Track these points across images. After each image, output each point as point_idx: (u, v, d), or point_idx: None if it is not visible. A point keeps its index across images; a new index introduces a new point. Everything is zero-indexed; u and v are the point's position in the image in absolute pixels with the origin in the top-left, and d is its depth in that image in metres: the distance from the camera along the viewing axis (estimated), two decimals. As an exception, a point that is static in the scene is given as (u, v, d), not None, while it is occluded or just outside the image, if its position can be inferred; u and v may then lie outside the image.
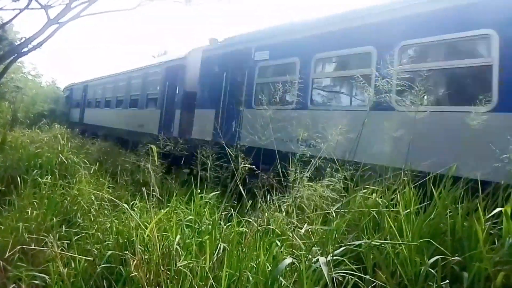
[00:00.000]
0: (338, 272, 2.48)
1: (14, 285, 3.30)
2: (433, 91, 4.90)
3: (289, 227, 3.32)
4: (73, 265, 3.18)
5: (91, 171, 6.23)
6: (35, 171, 5.81)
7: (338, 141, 4.22)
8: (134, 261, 2.83)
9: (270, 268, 2.74)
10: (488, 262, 2.52)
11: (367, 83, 4.89)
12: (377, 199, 3.40)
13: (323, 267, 2.28)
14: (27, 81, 28.89)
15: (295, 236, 3.07)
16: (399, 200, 3.21)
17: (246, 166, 3.88)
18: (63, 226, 4.18)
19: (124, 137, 13.64)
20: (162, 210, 3.54)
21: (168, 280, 2.79)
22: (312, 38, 7.02)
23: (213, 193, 4.17)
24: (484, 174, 3.63)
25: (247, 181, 4.25)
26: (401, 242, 2.78)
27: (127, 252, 3.01)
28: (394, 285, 2.65)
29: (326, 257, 2.42)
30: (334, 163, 4.04)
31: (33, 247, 3.58)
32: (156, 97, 12.36)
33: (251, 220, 3.46)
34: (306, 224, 3.26)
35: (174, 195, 4.03)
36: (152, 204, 3.57)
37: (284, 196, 3.83)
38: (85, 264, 3.16)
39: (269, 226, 3.31)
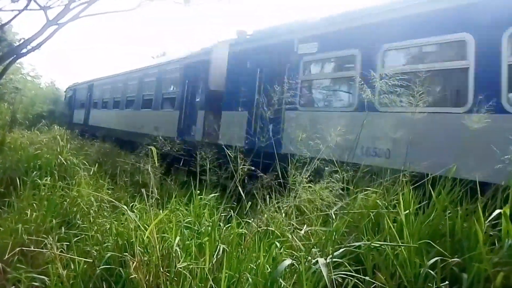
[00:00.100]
0: (338, 274, 2.48)
1: (13, 286, 3.30)
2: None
3: (289, 229, 3.32)
4: (72, 267, 3.18)
5: (91, 173, 6.23)
6: (35, 172, 5.80)
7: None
8: (133, 262, 2.83)
9: (269, 269, 2.74)
10: (487, 263, 2.52)
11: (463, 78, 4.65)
12: (376, 200, 3.41)
13: (322, 268, 2.28)
14: (26, 82, 28.86)
15: (295, 238, 3.07)
16: (399, 201, 3.21)
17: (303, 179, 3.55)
18: (63, 228, 4.17)
19: (135, 140, 11.99)
20: (162, 211, 3.54)
21: (167, 282, 2.79)
22: (379, 25, 5.94)
23: (212, 194, 4.17)
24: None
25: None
26: (400, 244, 2.78)
27: (127, 253, 3.01)
28: (394, 286, 2.65)
29: (326, 259, 2.42)
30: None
31: (32, 248, 3.58)
32: (173, 97, 11.32)
33: (250, 222, 3.46)
34: (305, 225, 3.27)
35: (174, 196, 4.03)
36: (152, 206, 3.56)
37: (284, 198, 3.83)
38: (85, 266, 3.16)
39: (268, 228, 3.31)
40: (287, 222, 3.44)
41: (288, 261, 2.52)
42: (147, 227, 3.00)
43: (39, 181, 5.32)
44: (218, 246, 2.97)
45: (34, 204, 4.68)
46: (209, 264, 2.78)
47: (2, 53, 15.17)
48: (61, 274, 2.98)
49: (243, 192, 3.86)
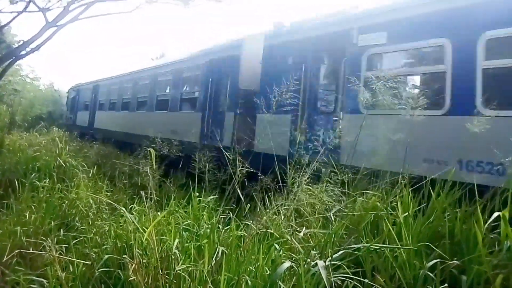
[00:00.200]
0: (337, 276, 2.48)
1: (11, 289, 3.29)
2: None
3: (288, 231, 3.32)
4: (71, 269, 3.17)
5: (90, 175, 6.22)
6: (33, 174, 5.79)
7: None
8: (132, 265, 2.82)
9: (268, 272, 2.74)
10: (487, 265, 2.52)
11: None
12: (376, 202, 3.41)
13: (321, 271, 2.28)
14: (25, 84, 28.86)
15: (294, 240, 3.07)
16: (398, 203, 3.22)
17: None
18: (61, 230, 4.17)
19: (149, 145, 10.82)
20: (160, 213, 3.54)
21: (166, 284, 2.78)
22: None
23: (211, 197, 4.17)
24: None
25: None
26: (399, 247, 2.78)
27: (126, 256, 3.00)
28: (393, 288, 2.65)
29: (325, 261, 2.42)
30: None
31: (31, 251, 3.57)
32: (194, 98, 10.13)
33: (249, 224, 3.46)
34: (304, 227, 3.27)
35: (172, 198, 4.02)
36: (151, 208, 3.56)
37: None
38: (83, 268, 3.15)
39: (268, 230, 3.31)
40: (286, 224, 3.44)
41: (287, 264, 2.52)
42: (146, 229, 2.99)
43: (37, 183, 5.31)
44: (217, 249, 2.97)
45: (33, 206, 4.67)
46: (208, 266, 2.78)
47: (1, 54, 15.16)
48: (60, 277, 2.97)
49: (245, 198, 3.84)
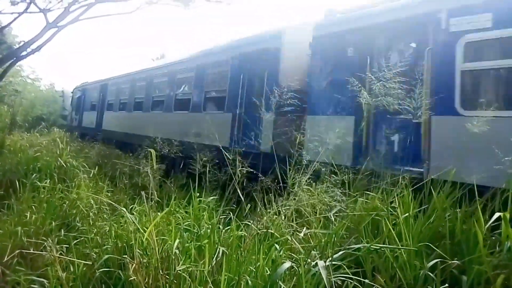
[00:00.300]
0: (337, 276, 2.48)
1: (12, 289, 3.30)
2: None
3: (288, 231, 3.32)
4: (72, 269, 3.17)
5: (90, 175, 6.22)
6: (34, 175, 5.80)
7: None
8: (133, 265, 2.82)
9: (269, 272, 2.74)
10: (487, 265, 2.52)
11: None
12: (376, 202, 3.41)
13: (322, 271, 2.28)
14: (26, 85, 28.90)
15: (294, 240, 3.07)
16: (397, 204, 3.22)
17: None
18: (62, 230, 4.17)
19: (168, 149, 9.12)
20: (161, 213, 3.54)
21: (167, 284, 2.78)
22: None
23: (212, 197, 4.17)
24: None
25: None
26: (400, 247, 2.78)
27: (126, 256, 3.01)
28: (393, 289, 2.65)
29: (325, 261, 2.42)
30: None
31: (31, 251, 3.58)
32: (222, 97, 8.95)
33: (250, 224, 3.46)
34: (305, 227, 3.27)
35: (173, 198, 4.02)
36: (151, 208, 3.56)
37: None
38: (84, 268, 3.15)
39: (268, 230, 3.31)
40: (287, 224, 3.44)
41: (287, 264, 2.53)
42: (146, 229, 3.00)
43: (38, 183, 5.32)
44: (218, 249, 2.97)
45: (34, 207, 4.68)
46: (208, 266, 2.78)
47: (2, 55, 15.19)
48: (60, 277, 2.98)
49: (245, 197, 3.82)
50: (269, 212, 3.50)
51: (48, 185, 5.28)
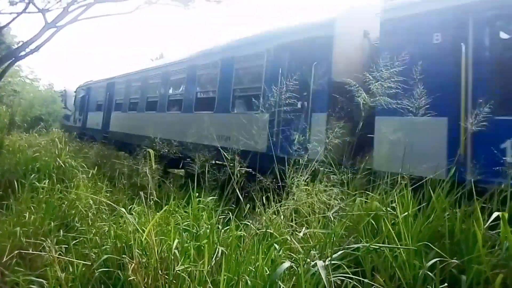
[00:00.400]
0: (337, 276, 2.48)
1: (11, 290, 3.29)
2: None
3: (288, 231, 3.32)
4: (71, 270, 3.17)
5: (89, 175, 6.22)
6: (33, 175, 5.80)
7: None
8: (132, 265, 2.82)
9: (268, 272, 2.74)
10: (486, 265, 2.52)
11: None
12: (375, 202, 3.41)
13: (321, 270, 2.28)
14: (24, 85, 28.85)
15: (294, 240, 3.07)
16: (397, 203, 3.22)
17: None
18: (61, 231, 4.17)
19: (188, 154, 7.26)
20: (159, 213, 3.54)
21: (166, 284, 2.78)
22: None
23: (211, 197, 4.17)
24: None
25: None
26: (399, 246, 2.78)
27: (125, 256, 3.00)
28: (393, 288, 2.65)
29: (325, 261, 2.42)
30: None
31: (30, 251, 3.58)
32: (255, 95, 7.68)
33: (249, 224, 3.46)
34: (304, 227, 3.27)
35: (172, 198, 4.02)
36: (150, 208, 3.56)
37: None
38: (83, 269, 3.15)
39: (267, 230, 3.31)
40: (286, 224, 3.44)
41: (287, 264, 2.52)
42: (145, 229, 3.00)
43: (37, 184, 5.31)
44: (217, 249, 2.97)
45: (33, 207, 4.68)
46: (207, 266, 2.78)
47: (1, 55, 15.17)
48: (59, 277, 2.97)
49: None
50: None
51: (47, 185, 5.28)
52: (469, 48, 4.68)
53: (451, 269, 2.63)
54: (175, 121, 10.62)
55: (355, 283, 2.46)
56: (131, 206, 4.11)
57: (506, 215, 2.61)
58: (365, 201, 3.55)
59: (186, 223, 3.54)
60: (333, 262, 2.56)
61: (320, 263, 2.36)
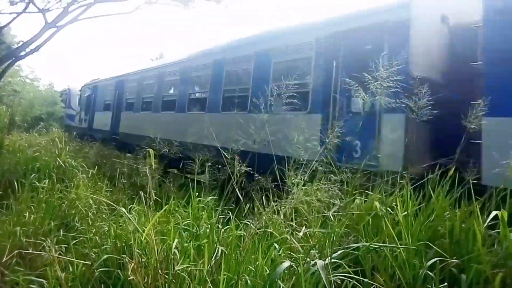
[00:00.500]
0: (336, 275, 2.48)
1: (11, 289, 3.29)
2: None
3: (287, 230, 3.32)
4: (71, 269, 3.17)
5: (89, 175, 6.22)
6: (33, 175, 5.80)
7: None
8: (132, 265, 2.82)
9: (268, 271, 2.74)
10: (486, 264, 2.52)
11: None
12: (375, 201, 3.41)
13: (321, 270, 2.28)
14: (24, 85, 28.88)
15: (293, 239, 3.06)
16: (397, 202, 3.22)
17: None
18: (61, 230, 4.17)
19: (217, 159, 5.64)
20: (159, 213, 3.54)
21: (166, 284, 2.78)
22: None
23: (211, 197, 4.17)
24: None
25: None
26: (399, 246, 2.78)
27: (125, 256, 3.00)
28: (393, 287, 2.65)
29: (324, 260, 2.42)
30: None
31: (30, 251, 3.58)
32: (303, 92, 6.43)
33: (249, 223, 3.46)
34: (304, 227, 3.27)
35: (172, 198, 4.02)
36: (150, 208, 3.56)
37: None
38: (83, 268, 3.15)
39: (267, 230, 3.31)
40: (286, 223, 3.44)
41: (286, 263, 2.52)
42: (145, 229, 3.00)
43: (37, 183, 5.31)
44: (217, 248, 2.97)
45: (33, 207, 4.68)
46: (207, 266, 2.78)
47: (1, 55, 15.17)
48: (59, 277, 2.97)
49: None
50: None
51: (47, 185, 5.28)
52: None
53: (451, 269, 2.63)
54: (196, 123, 9.28)
55: (355, 282, 2.46)
56: (131, 205, 4.11)
57: (506, 214, 2.61)
58: (365, 200, 3.56)
59: (186, 222, 3.54)
60: (333, 261, 2.56)
61: (320, 262, 2.36)
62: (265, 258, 2.86)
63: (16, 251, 3.57)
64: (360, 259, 2.83)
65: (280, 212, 3.54)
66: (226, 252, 2.93)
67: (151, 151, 3.68)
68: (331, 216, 3.31)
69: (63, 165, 6.59)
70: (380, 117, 5.32)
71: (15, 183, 5.44)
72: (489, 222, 2.75)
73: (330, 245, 2.86)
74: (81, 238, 3.76)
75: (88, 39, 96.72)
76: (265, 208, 3.61)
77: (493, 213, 2.67)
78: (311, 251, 2.80)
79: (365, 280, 2.54)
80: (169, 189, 5.77)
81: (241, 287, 2.67)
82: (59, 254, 3.30)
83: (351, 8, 6.70)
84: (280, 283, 2.51)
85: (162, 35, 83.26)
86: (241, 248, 3.07)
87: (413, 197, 3.33)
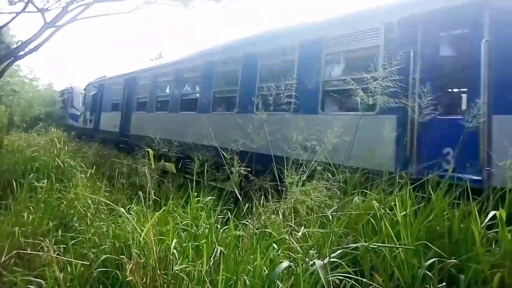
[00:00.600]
0: (335, 275, 2.48)
1: (9, 290, 3.29)
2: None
3: (286, 230, 3.32)
4: (69, 270, 3.17)
5: (88, 175, 6.21)
6: (32, 175, 5.79)
7: None
8: (130, 265, 2.82)
9: (267, 271, 2.73)
10: (484, 264, 2.53)
11: None
12: (373, 201, 3.41)
13: (319, 270, 2.28)
14: (23, 85, 28.78)
15: (292, 239, 3.06)
16: (396, 202, 3.22)
17: None
18: (59, 231, 4.16)
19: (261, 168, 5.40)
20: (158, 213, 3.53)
21: (164, 284, 2.78)
22: None
23: (209, 197, 4.16)
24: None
25: None
26: (398, 246, 2.78)
27: (124, 256, 3.00)
28: (391, 287, 2.65)
29: (323, 260, 2.42)
30: None
31: (29, 251, 3.57)
32: (365, 89, 4.25)
33: (248, 223, 3.46)
34: (303, 227, 3.26)
35: (171, 198, 4.02)
36: (149, 208, 3.56)
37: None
38: (81, 269, 3.15)
39: (266, 230, 3.31)
40: (285, 223, 3.44)
41: (285, 263, 2.52)
42: (144, 229, 2.99)
43: (36, 183, 5.30)
44: (215, 248, 2.96)
45: (31, 207, 4.67)
46: (206, 266, 2.78)
47: (0, 55, 15.14)
48: (57, 277, 2.97)
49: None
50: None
51: (45, 185, 5.27)
52: None
53: (450, 268, 2.63)
54: (226, 124, 8.03)
55: (353, 282, 2.46)
56: (130, 205, 4.11)
57: (504, 214, 2.62)
58: (364, 200, 3.56)
59: (185, 222, 3.54)
60: (331, 261, 2.56)
61: (318, 262, 2.36)
62: (263, 258, 2.86)
63: (14, 251, 3.56)
64: (359, 259, 2.83)
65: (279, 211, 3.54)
66: (225, 252, 2.93)
67: (151, 151, 3.68)
68: (330, 216, 3.31)
69: (62, 165, 6.58)
70: (490, 118, 4.19)
71: (14, 183, 5.43)
72: (487, 222, 2.75)
73: (329, 245, 2.86)
74: (80, 238, 3.75)
75: (87, 39, 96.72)
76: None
77: (492, 213, 2.68)
78: (310, 251, 2.80)
79: (364, 280, 2.54)
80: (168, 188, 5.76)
81: (240, 287, 2.67)
82: (58, 254, 3.29)
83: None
84: (279, 283, 2.51)
85: (161, 35, 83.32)
86: (239, 248, 3.07)
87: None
